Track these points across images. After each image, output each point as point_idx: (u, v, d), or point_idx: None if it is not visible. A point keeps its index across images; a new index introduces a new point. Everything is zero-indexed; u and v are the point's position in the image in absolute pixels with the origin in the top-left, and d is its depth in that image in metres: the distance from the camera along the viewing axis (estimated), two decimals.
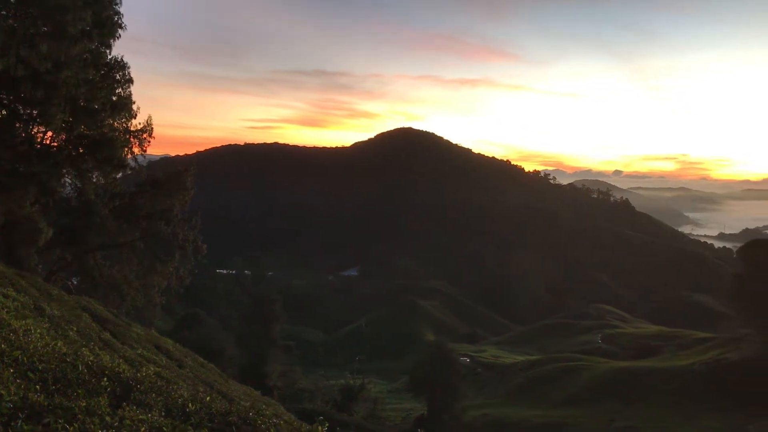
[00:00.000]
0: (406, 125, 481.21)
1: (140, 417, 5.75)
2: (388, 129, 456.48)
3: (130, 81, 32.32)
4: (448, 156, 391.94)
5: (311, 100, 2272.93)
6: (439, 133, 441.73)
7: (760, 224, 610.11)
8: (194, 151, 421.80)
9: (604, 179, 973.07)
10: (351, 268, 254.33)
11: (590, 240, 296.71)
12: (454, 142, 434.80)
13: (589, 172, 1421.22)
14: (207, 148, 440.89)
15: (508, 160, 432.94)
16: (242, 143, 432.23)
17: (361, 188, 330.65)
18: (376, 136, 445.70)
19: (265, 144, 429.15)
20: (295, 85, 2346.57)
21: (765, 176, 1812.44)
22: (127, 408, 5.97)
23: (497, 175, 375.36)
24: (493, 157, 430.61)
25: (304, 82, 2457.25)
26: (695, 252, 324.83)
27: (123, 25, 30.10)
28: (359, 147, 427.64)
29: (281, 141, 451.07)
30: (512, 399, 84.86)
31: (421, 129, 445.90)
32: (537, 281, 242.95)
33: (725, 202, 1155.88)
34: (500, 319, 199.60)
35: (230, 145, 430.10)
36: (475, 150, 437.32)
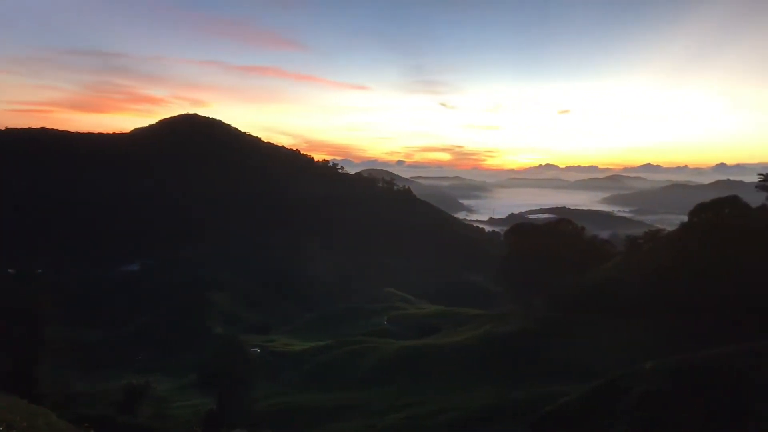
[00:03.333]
0: (191, 112, 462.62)
1: None
2: (172, 115, 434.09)
3: None
4: (236, 145, 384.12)
5: (85, 82, 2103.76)
6: (226, 121, 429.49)
7: (524, 209, 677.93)
8: None
9: (389, 169, 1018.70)
10: (132, 262, 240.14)
11: (377, 227, 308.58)
12: (242, 130, 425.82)
13: (375, 162, 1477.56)
14: None
15: (297, 150, 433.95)
16: (2, 128, 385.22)
17: (142, 177, 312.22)
18: (158, 123, 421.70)
19: (30, 129, 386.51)
20: (66, 66, 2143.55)
21: (527, 165, 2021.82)
22: None
23: (287, 164, 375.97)
24: (283, 147, 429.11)
25: (77, 62, 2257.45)
26: (470, 236, 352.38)
27: None
28: (140, 134, 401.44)
29: (50, 126, 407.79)
30: (304, 385, 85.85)
31: (207, 116, 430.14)
32: (328, 269, 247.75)
33: (494, 189, 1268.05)
34: (293, 309, 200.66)
35: None
36: (265, 139, 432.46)
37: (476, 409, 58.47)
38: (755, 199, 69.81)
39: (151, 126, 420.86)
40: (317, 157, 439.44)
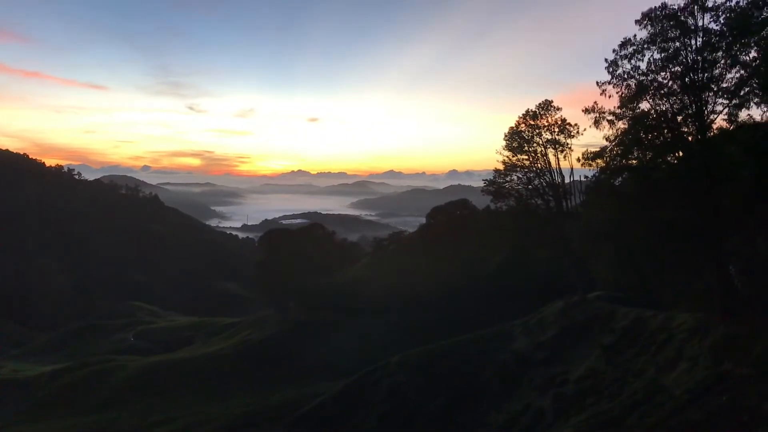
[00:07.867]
0: None
1: None
2: None
3: None
4: None
5: None
6: None
7: (277, 215, 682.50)
8: None
9: (133, 175, 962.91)
10: None
11: (120, 237, 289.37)
12: None
13: (117, 167, 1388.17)
14: None
15: (25, 154, 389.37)
16: None
17: None
18: None
19: None
20: None
21: (279, 171, 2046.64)
22: None
23: (12, 170, 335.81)
24: (7, 150, 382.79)
25: None
26: (222, 243, 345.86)
27: None
28: None
29: None
30: (40, 413, 77.40)
31: None
32: (63, 284, 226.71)
33: (248, 195, 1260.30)
34: (22, 330, 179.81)
35: None
36: None
37: (235, 417, 57.64)
38: (482, 202, 77.98)
39: None
40: (49, 162, 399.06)
